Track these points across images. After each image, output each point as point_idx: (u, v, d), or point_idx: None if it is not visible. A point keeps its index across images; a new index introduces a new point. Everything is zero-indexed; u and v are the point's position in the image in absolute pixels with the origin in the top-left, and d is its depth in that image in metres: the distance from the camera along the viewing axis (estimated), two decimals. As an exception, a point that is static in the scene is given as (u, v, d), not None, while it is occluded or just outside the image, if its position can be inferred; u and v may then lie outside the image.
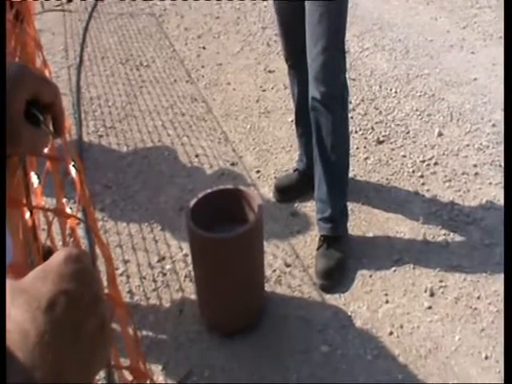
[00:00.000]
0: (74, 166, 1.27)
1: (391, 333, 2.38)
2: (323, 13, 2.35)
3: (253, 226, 2.19)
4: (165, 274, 2.69)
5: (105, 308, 0.50)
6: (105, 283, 1.41)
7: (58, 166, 1.36)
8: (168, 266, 2.73)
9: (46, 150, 0.78)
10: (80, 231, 2.70)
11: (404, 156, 3.36)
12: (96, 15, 5.50)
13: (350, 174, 2.82)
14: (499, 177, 3.15)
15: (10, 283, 0.47)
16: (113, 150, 3.58)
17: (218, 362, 2.29)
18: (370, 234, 2.85)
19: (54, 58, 4.63)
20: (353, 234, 2.84)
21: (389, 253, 2.74)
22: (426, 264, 2.67)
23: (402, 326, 2.41)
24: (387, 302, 2.52)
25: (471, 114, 3.71)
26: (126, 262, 2.76)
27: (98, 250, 2.44)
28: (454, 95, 3.91)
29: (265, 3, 5.35)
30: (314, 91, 2.51)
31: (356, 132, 3.56)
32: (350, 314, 2.47)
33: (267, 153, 3.47)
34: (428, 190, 3.10)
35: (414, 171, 3.23)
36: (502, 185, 3.09)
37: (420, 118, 3.70)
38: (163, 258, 2.77)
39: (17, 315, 0.44)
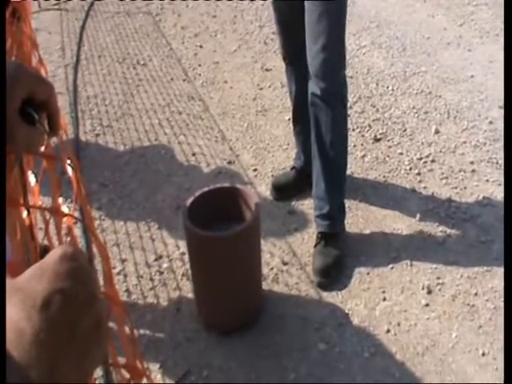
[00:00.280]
0: (70, 164, 1.27)
1: (388, 330, 2.38)
2: (323, 12, 2.35)
3: (250, 225, 2.19)
4: (162, 273, 2.69)
5: (100, 306, 0.50)
6: (102, 282, 1.41)
7: (54, 165, 1.36)
8: (165, 265, 2.73)
9: (42, 149, 0.78)
10: (77, 230, 2.70)
11: (401, 153, 3.36)
12: (93, 14, 5.49)
13: (348, 172, 2.82)
14: (496, 174, 3.15)
15: (6, 282, 0.47)
16: (110, 149, 3.58)
17: (216, 361, 2.29)
18: (368, 232, 2.86)
19: (51, 57, 4.63)
20: (350, 231, 2.84)
21: (386, 250, 2.74)
22: (424, 261, 2.68)
23: (399, 324, 2.41)
24: (384, 299, 2.52)
25: (468, 111, 3.72)
26: (123, 260, 2.76)
27: (95, 249, 2.44)
28: (450, 93, 3.92)
29: (262, 2, 5.35)
30: (313, 87, 2.51)
31: (353, 130, 3.56)
32: (347, 311, 2.48)
33: (264, 151, 3.47)
34: (425, 188, 3.11)
35: (411, 169, 3.24)
36: (499, 182, 3.09)
37: (417, 115, 3.70)
38: (160, 257, 2.77)
39: (12, 314, 0.44)
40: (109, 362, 0.91)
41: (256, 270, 2.40)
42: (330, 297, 2.55)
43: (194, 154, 3.48)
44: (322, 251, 2.66)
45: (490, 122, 3.57)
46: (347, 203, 2.87)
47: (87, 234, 2.70)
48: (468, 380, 2.19)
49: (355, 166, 3.27)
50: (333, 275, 2.61)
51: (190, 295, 2.55)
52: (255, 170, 3.32)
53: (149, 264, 2.74)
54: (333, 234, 2.70)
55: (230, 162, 3.38)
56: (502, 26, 4.55)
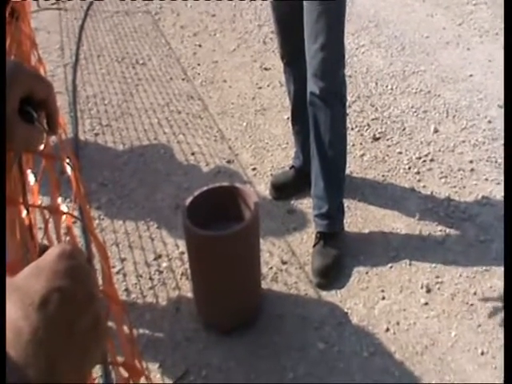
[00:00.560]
0: (69, 164, 1.27)
1: (388, 329, 2.38)
2: (322, 11, 2.35)
3: (249, 224, 2.19)
4: (161, 272, 2.69)
5: (99, 305, 0.50)
6: (101, 281, 1.41)
7: (53, 164, 1.36)
8: (164, 264, 2.73)
9: (41, 148, 0.78)
10: (76, 229, 2.70)
11: (400, 153, 3.36)
12: (92, 13, 5.48)
13: (346, 171, 2.82)
14: (495, 173, 3.15)
15: (5, 282, 0.47)
16: (109, 148, 3.58)
17: (215, 361, 2.29)
18: (366, 231, 2.86)
19: (50, 56, 4.63)
20: (349, 230, 2.84)
21: (385, 249, 2.75)
22: (423, 260, 2.68)
23: (398, 323, 2.41)
24: (383, 298, 2.52)
25: (467, 110, 3.72)
26: (122, 260, 2.76)
27: (94, 248, 2.44)
28: (449, 92, 3.92)
29: (261, 1, 5.34)
30: (312, 86, 2.51)
31: (352, 129, 3.56)
32: (346, 310, 2.48)
33: (263, 150, 3.47)
34: (424, 187, 3.11)
35: (410, 168, 3.24)
36: (498, 181, 3.09)
37: (416, 114, 3.70)
38: (159, 256, 2.77)
39: (10, 312, 0.44)
40: (108, 361, 0.91)
41: (255, 270, 2.40)
42: (329, 296, 2.55)
43: (193, 154, 3.48)
44: (321, 251, 2.66)
45: (489, 121, 3.57)
46: (346, 202, 2.87)
47: (86, 233, 2.70)
48: (467, 379, 2.19)
49: (354, 166, 3.27)
50: (332, 276, 2.61)
51: (190, 294, 2.55)
52: (254, 169, 3.32)
53: (148, 263, 2.74)
54: (332, 234, 2.70)
55: (229, 162, 3.38)
56: (502, 25, 4.56)
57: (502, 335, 2.31)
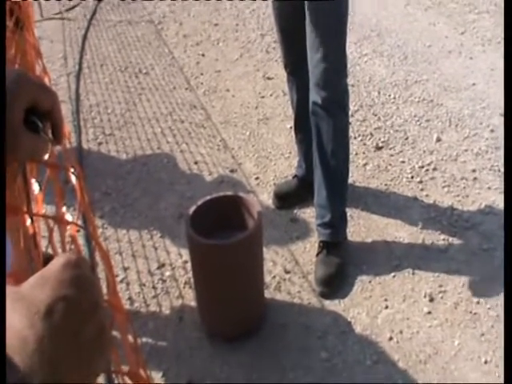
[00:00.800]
0: (73, 173, 1.27)
1: (391, 338, 2.38)
2: (324, 21, 2.36)
3: (252, 233, 2.20)
4: (164, 281, 2.69)
5: (103, 314, 0.50)
6: (105, 290, 1.41)
7: (57, 174, 1.36)
8: (168, 273, 2.73)
9: (46, 158, 0.78)
10: (80, 238, 2.70)
11: (403, 162, 3.36)
12: (95, 23, 5.51)
13: (349, 180, 2.82)
14: (498, 182, 3.15)
15: (9, 290, 0.47)
16: (112, 158, 3.59)
17: (218, 370, 2.29)
18: (369, 240, 2.86)
19: (53, 65, 4.65)
20: (352, 239, 2.84)
21: (388, 258, 2.74)
22: (426, 269, 2.68)
23: (401, 332, 2.41)
24: (387, 307, 2.52)
25: (470, 119, 3.72)
26: (125, 269, 2.76)
27: (98, 257, 2.44)
28: (452, 101, 3.92)
29: (264, 11, 5.36)
30: (314, 96, 2.52)
31: (355, 138, 3.56)
32: (349, 320, 2.47)
33: (266, 159, 3.47)
34: (427, 196, 3.11)
35: (412, 177, 3.24)
36: (501, 190, 3.09)
37: (418, 123, 3.71)
38: (163, 265, 2.77)
39: (15, 321, 0.44)
40: (112, 370, 0.91)
41: (258, 279, 2.40)
42: (333, 305, 2.55)
43: (196, 163, 3.48)
44: (324, 260, 2.66)
45: (492, 130, 3.58)
46: (349, 212, 2.87)
47: (90, 242, 2.70)
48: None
49: (357, 175, 3.27)
50: (335, 285, 2.61)
51: (193, 303, 2.55)
52: (257, 178, 3.32)
53: (151, 272, 2.74)
54: (335, 243, 2.70)
55: (232, 171, 3.39)
56: (504, 34, 4.55)
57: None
